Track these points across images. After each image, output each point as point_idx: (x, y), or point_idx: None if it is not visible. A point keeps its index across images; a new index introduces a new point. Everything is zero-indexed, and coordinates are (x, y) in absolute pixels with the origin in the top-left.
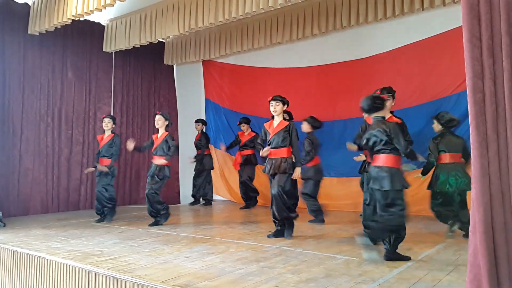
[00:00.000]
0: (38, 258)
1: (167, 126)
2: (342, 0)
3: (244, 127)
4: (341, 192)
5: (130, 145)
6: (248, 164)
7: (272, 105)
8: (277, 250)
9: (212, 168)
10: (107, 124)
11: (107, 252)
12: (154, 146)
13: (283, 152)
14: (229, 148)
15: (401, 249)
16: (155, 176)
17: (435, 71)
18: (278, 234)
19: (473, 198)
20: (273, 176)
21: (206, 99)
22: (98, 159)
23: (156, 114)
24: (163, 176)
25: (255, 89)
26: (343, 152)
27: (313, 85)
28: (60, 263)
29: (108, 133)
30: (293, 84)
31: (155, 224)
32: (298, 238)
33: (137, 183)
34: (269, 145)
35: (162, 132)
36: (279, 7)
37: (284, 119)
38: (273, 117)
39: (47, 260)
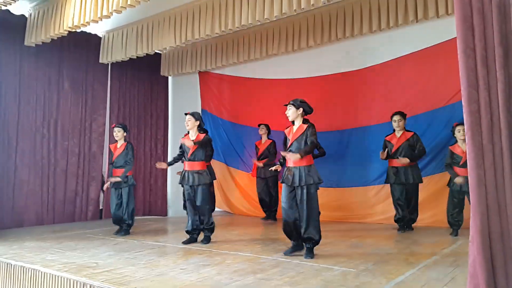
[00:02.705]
0: (33, 271)
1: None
2: (337, 12)
3: (262, 130)
4: (337, 203)
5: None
6: (273, 175)
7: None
8: (274, 262)
9: (215, 179)
10: (117, 134)
11: (102, 264)
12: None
13: (303, 161)
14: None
15: (399, 260)
16: None
17: (430, 81)
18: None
19: (470, 208)
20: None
21: (202, 110)
22: (112, 169)
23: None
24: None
25: (251, 100)
26: (339, 162)
27: (308, 96)
28: (55, 276)
29: (121, 143)
30: (289, 95)
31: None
32: None
33: (134, 194)
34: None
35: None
36: (275, 19)
37: (304, 122)
38: (293, 122)
39: (42, 272)
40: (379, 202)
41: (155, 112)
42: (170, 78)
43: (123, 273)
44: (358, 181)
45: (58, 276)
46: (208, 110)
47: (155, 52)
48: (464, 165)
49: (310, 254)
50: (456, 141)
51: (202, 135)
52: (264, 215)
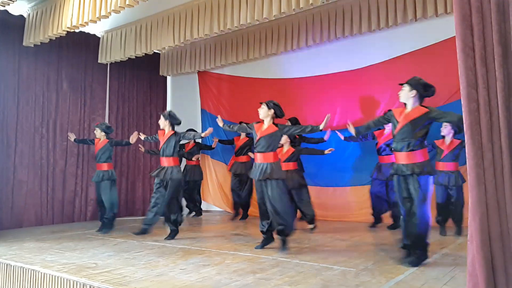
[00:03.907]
0: (32, 271)
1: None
2: (336, 12)
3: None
4: (337, 202)
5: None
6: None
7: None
8: (274, 261)
9: (202, 179)
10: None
11: (102, 265)
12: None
13: (269, 157)
14: (222, 142)
15: (397, 259)
16: None
17: (429, 80)
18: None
19: (469, 207)
20: (263, 181)
21: (202, 110)
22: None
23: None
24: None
25: (251, 100)
26: (339, 161)
27: (308, 95)
28: (54, 276)
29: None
30: (288, 94)
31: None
32: (294, 248)
33: (133, 195)
34: (255, 148)
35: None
36: (273, 18)
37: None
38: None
39: (41, 273)
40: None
41: (154, 112)
42: (169, 78)
43: (123, 274)
44: (357, 180)
45: (57, 277)
46: (207, 110)
47: (154, 52)
48: (445, 159)
49: (284, 246)
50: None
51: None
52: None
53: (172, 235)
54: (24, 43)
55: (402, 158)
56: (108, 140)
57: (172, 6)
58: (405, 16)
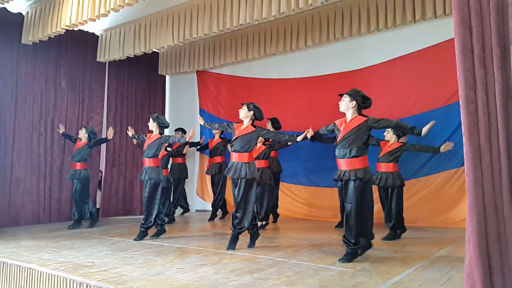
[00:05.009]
0: (29, 270)
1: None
2: (335, 12)
3: (215, 131)
4: (336, 203)
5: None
6: (220, 173)
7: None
8: (271, 261)
9: (187, 177)
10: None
11: (99, 264)
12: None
13: (244, 157)
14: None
15: (395, 259)
16: None
17: (428, 82)
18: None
19: (467, 208)
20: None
21: (200, 109)
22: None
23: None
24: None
25: (249, 100)
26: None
27: (307, 96)
28: (51, 275)
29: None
30: (287, 95)
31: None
32: (292, 248)
33: (131, 193)
34: (232, 146)
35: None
36: (272, 18)
37: (252, 125)
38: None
39: (38, 271)
40: (375, 201)
41: (152, 111)
42: (167, 77)
43: (120, 273)
44: None
45: (54, 275)
46: (205, 109)
47: (153, 51)
48: (383, 160)
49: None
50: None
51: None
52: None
53: (156, 234)
54: (22, 41)
55: (343, 164)
56: (87, 142)
57: (171, 5)
58: (404, 18)
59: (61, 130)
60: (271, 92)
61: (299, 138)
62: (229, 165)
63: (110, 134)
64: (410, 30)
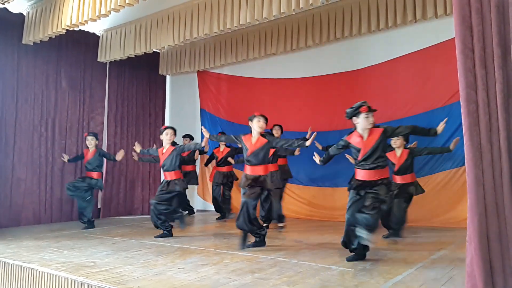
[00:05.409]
0: (30, 270)
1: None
2: (336, 12)
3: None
4: (337, 203)
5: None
6: (229, 181)
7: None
8: (272, 261)
9: (197, 184)
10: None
11: (100, 264)
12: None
13: (261, 170)
14: (206, 164)
15: (396, 259)
16: None
17: (429, 82)
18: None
19: (468, 208)
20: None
21: (201, 110)
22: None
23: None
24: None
25: (250, 99)
26: (338, 162)
27: (307, 96)
28: (52, 275)
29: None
30: (288, 95)
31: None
32: (293, 248)
33: (132, 194)
34: (247, 161)
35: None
36: (273, 18)
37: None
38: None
39: (39, 271)
40: None
41: (153, 111)
42: (168, 77)
43: (121, 273)
44: None
45: (55, 276)
46: (206, 110)
47: (154, 51)
48: (399, 172)
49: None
50: (393, 149)
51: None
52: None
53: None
54: (23, 41)
55: (367, 175)
56: (96, 150)
57: (172, 6)
58: (405, 18)
59: (66, 158)
60: (272, 92)
61: (307, 143)
62: (246, 178)
63: (119, 156)
64: (411, 30)
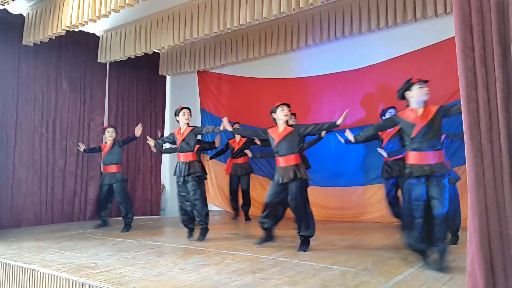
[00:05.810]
0: (31, 271)
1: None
2: (336, 11)
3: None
4: (338, 202)
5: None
6: (247, 173)
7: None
8: (273, 261)
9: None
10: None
11: (101, 264)
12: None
13: (292, 159)
14: (215, 156)
15: (397, 259)
16: None
17: (429, 81)
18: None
19: (468, 207)
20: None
21: (201, 110)
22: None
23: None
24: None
25: (250, 100)
26: (338, 162)
27: (308, 95)
28: (54, 276)
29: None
30: (288, 94)
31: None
32: (294, 248)
33: (133, 194)
34: (276, 152)
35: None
36: (273, 18)
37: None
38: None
39: (40, 272)
40: (376, 201)
41: (153, 112)
42: (168, 78)
43: (122, 273)
44: (357, 180)
45: (56, 276)
46: (207, 110)
47: (154, 52)
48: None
49: (304, 247)
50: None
51: None
52: (233, 212)
53: (202, 234)
54: (23, 42)
55: (426, 158)
56: (113, 142)
57: (172, 6)
58: (405, 16)
59: (82, 148)
60: (272, 91)
61: (338, 121)
62: (277, 171)
63: (138, 131)
64: (411, 29)
